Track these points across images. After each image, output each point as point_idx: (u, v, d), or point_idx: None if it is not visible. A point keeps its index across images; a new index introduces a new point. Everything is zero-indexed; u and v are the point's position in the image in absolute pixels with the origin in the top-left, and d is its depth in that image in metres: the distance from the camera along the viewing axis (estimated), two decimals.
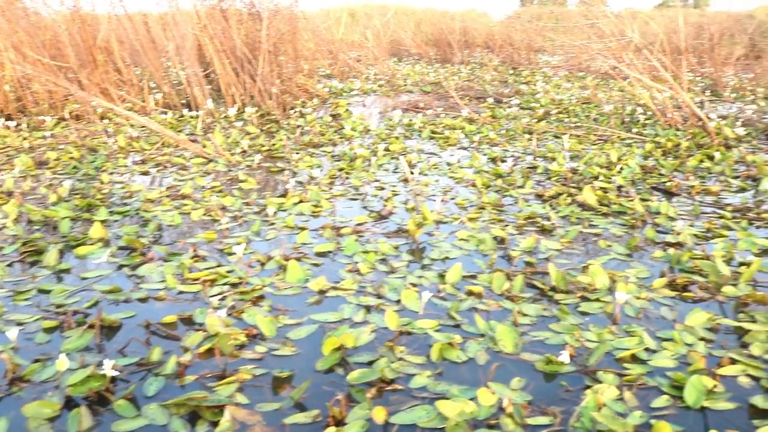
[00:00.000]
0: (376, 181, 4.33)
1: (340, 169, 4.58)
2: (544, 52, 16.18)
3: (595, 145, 5.57)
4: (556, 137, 5.90)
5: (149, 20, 8.41)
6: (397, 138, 5.72)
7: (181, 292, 2.57)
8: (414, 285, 2.61)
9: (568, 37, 13.11)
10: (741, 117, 7.07)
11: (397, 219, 3.48)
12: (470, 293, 2.52)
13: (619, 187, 4.09)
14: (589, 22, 6.82)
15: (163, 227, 3.39)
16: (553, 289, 2.56)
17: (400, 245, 3.07)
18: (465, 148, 5.43)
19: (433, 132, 6.04)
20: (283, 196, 3.90)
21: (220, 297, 2.50)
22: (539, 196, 3.92)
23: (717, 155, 5.02)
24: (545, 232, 3.28)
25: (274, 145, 5.46)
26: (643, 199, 3.83)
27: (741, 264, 2.86)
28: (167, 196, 3.92)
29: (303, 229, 3.31)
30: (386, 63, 12.95)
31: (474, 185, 4.14)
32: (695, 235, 3.25)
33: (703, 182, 4.37)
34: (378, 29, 14.65)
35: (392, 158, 4.95)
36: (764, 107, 7.86)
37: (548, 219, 3.44)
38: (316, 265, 2.87)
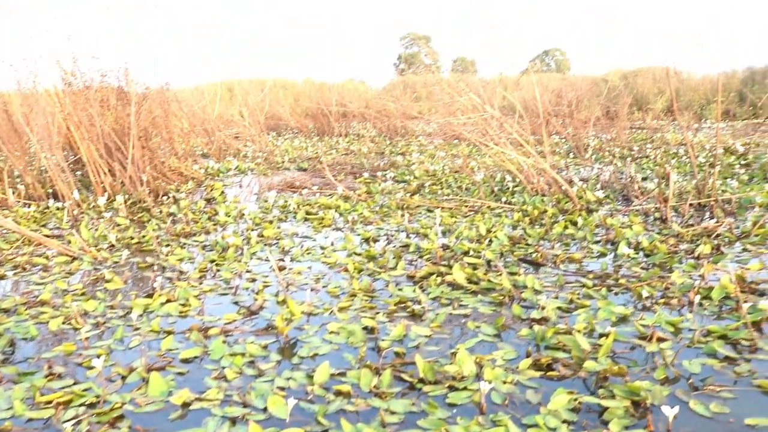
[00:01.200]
0: (248, 271, 4.25)
1: (212, 261, 4.47)
2: (420, 120, 16.70)
3: (466, 216, 5.73)
4: (429, 211, 6.04)
5: (11, 103, 8.04)
6: (271, 222, 5.68)
7: (30, 420, 2.39)
8: (282, 389, 2.54)
9: (441, 105, 13.61)
10: (600, 179, 7.50)
11: (268, 314, 3.40)
12: (338, 393, 2.48)
13: (488, 262, 4.20)
14: (452, 100, 7.08)
15: (15, 342, 3.16)
16: (422, 380, 2.55)
17: (270, 344, 3.00)
18: (339, 229, 5.46)
19: (308, 213, 6.04)
20: (150, 295, 3.74)
21: (74, 422, 2.34)
22: (411, 278, 3.96)
23: (580, 220, 5.27)
24: (416, 317, 3.30)
25: (144, 236, 5.27)
26: (511, 273, 3.94)
27: (601, 335, 2.96)
28: (23, 304, 3.68)
29: (169, 332, 3.18)
30: (264, 139, 12.96)
31: (346, 270, 4.14)
32: (559, 307, 3.36)
33: (567, 249, 4.56)
34: (254, 105, 14.68)
35: (266, 245, 4.89)
36: (621, 167, 8.37)
37: (419, 303, 3.46)
38: (180, 373, 2.75)
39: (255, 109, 14.23)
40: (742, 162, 9.55)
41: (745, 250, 4.55)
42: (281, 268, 4.21)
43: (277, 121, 18.03)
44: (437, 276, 3.88)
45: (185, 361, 2.88)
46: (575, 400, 2.37)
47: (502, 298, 3.53)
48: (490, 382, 2.40)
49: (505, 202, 6.23)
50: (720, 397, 2.42)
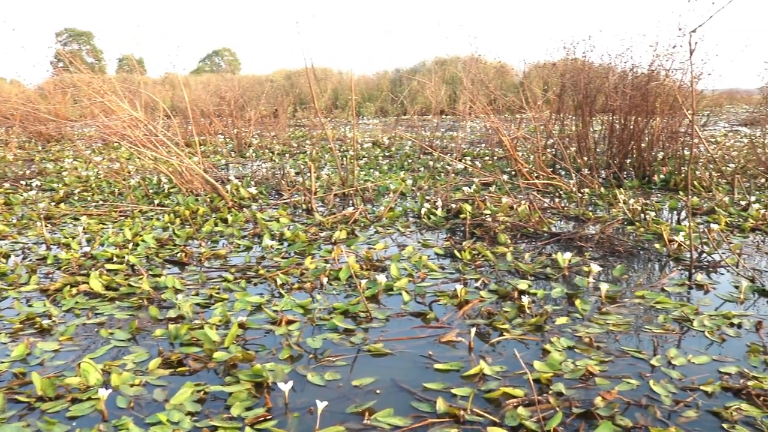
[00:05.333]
0: None
1: None
2: (79, 122, 15.61)
3: (116, 222, 5.53)
4: (76, 219, 5.71)
5: None
6: None
7: None
8: None
9: (98, 107, 12.95)
10: (257, 176, 7.75)
11: None
12: None
13: (132, 266, 4.12)
14: (91, 101, 6.76)
15: None
16: (41, 398, 2.43)
17: None
18: None
19: None
20: None
21: None
22: (44, 291, 3.72)
23: (230, 217, 5.39)
24: (44, 332, 3.12)
25: None
26: (154, 275, 3.91)
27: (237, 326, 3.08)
28: None
29: None
30: None
31: None
32: (198, 304, 3.42)
33: (215, 247, 4.65)
34: None
35: None
36: (278, 164, 8.74)
37: (49, 317, 3.27)
38: None
39: None
40: (387, 153, 10.57)
41: (376, 232, 5.06)
42: None
43: None
44: (72, 286, 3.70)
45: None
46: (200, 391, 2.44)
47: (141, 301, 3.49)
48: (115, 388, 2.37)
49: (158, 205, 6.14)
50: (335, 366, 2.68)
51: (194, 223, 5.31)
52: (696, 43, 3.51)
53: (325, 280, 3.69)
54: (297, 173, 7.90)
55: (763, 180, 7.19)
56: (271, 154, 10.35)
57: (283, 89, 22.50)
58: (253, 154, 10.53)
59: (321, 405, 2.19)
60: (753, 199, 5.97)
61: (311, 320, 3.13)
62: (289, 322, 3.13)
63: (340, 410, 2.29)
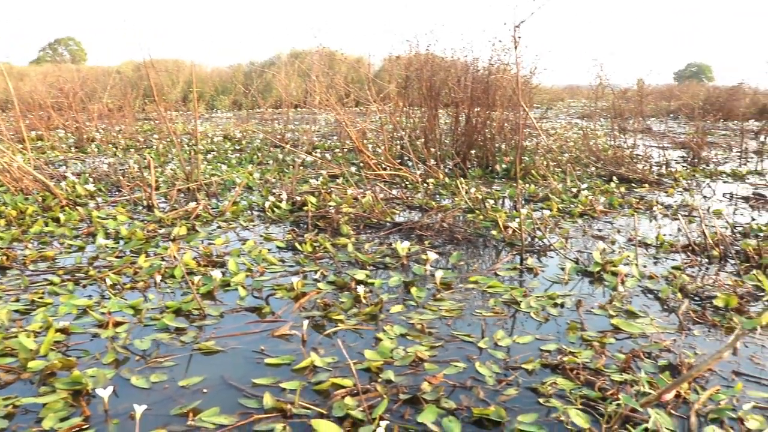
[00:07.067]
0: None
1: None
2: None
3: None
4: None
5: None
6: None
7: None
8: None
9: None
10: (98, 172, 7.36)
11: None
12: None
13: None
14: None
15: None
16: None
17: None
18: None
19: None
20: None
21: None
22: None
23: (62, 216, 5.08)
24: None
25: None
26: None
27: (58, 331, 2.90)
28: None
29: None
30: None
31: None
32: (17, 310, 3.18)
33: (43, 248, 4.35)
34: None
35: None
36: (120, 159, 8.35)
37: None
38: None
39: None
40: (237, 147, 10.38)
41: (219, 227, 4.94)
42: None
43: None
44: None
45: None
46: (9, 405, 2.27)
47: None
48: None
49: None
50: (163, 367, 2.57)
51: (21, 224, 4.95)
52: (520, 37, 3.67)
53: (158, 278, 3.55)
54: (140, 169, 7.57)
55: (593, 168, 7.67)
56: (114, 149, 9.86)
57: (131, 82, 21.50)
58: (96, 150, 10.00)
59: (140, 409, 2.09)
60: (584, 186, 6.36)
61: (140, 321, 3.00)
62: (117, 324, 2.99)
63: (164, 413, 2.21)
